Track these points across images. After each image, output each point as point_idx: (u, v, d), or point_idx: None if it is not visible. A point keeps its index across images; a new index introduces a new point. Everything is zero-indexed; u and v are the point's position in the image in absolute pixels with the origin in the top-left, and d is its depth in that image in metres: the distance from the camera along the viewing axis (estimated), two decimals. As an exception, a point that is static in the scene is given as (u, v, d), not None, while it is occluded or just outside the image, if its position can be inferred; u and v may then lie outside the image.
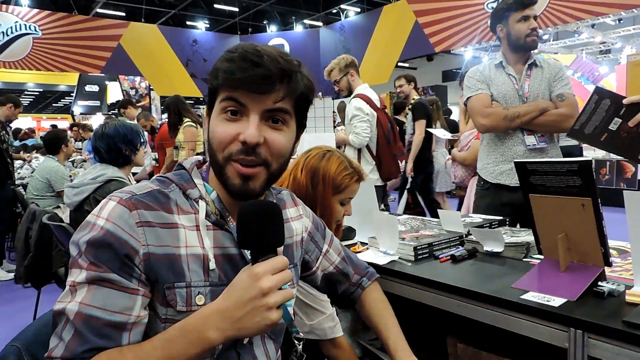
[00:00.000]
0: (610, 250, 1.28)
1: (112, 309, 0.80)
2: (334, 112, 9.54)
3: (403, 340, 1.23)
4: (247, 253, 0.91)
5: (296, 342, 1.04)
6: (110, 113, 15.18)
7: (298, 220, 1.17)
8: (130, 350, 0.79)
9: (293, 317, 1.03)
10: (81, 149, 8.55)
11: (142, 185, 0.93)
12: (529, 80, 2.37)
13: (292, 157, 1.01)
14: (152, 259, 0.84)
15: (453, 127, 11.04)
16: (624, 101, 1.62)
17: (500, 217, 2.08)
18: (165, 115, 11.27)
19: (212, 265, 0.89)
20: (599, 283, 1.19)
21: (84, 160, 6.53)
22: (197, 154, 4.15)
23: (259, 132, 0.86)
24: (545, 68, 2.38)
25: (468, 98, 2.47)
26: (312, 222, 1.24)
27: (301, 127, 0.98)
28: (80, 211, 2.35)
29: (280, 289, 0.79)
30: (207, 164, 0.99)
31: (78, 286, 0.81)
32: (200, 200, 0.93)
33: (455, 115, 9.68)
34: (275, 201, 1.10)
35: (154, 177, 0.97)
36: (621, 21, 12.92)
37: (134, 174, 3.43)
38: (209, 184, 0.96)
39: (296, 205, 1.20)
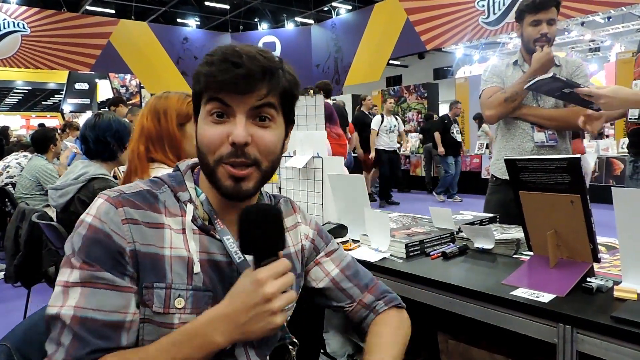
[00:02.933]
0: (599, 247, 1.29)
1: (108, 309, 0.80)
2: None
3: None
4: (250, 258, 0.89)
5: (290, 347, 1.02)
6: (100, 111, 15.07)
7: (294, 229, 1.12)
8: (134, 354, 0.79)
9: (286, 324, 1.01)
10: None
11: (133, 184, 0.92)
12: None
13: (284, 155, 1.00)
14: (139, 256, 0.84)
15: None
16: (577, 90, 1.85)
17: (492, 215, 2.10)
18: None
19: (197, 269, 0.88)
20: (588, 279, 1.20)
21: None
22: None
23: (246, 132, 0.85)
24: (563, 66, 2.31)
25: (482, 90, 2.44)
26: (316, 230, 1.16)
27: (289, 122, 0.97)
28: (67, 212, 2.31)
29: (284, 291, 0.80)
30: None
31: (71, 287, 0.80)
32: (189, 203, 0.92)
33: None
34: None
35: (148, 178, 0.97)
36: (610, 19, 13.05)
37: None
38: (199, 187, 0.95)
39: (294, 213, 1.15)
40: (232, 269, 0.91)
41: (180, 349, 0.78)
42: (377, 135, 8.28)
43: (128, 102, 9.24)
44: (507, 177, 2.31)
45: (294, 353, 1.02)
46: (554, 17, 2.23)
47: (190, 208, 0.91)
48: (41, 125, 11.91)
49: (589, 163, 6.56)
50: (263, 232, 0.81)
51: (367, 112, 8.71)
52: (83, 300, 0.79)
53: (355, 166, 10.78)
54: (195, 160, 0.99)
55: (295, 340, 1.02)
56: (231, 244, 0.90)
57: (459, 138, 9.08)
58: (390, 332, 1.06)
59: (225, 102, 0.86)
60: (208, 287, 0.88)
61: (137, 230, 0.84)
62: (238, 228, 0.82)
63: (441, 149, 8.92)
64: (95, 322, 0.78)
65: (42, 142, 4.67)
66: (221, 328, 0.79)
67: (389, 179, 8.79)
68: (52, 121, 20.85)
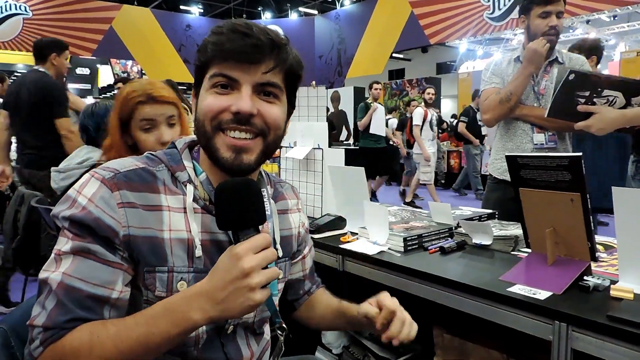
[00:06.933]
0: (597, 246, 1.29)
1: (94, 281, 0.79)
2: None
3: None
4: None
5: (279, 332, 1.02)
6: (101, 97, 15.04)
7: (297, 212, 1.15)
8: (112, 324, 0.78)
9: (277, 308, 1.01)
10: None
11: (128, 161, 0.89)
12: (547, 76, 2.25)
13: (285, 145, 1.00)
14: (133, 240, 0.82)
15: (438, 122, 10.94)
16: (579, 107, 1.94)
17: (491, 211, 2.10)
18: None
19: (199, 252, 0.87)
20: (585, 277, 1.21)
21: None
22: None
23: (252, 103, 0.85)
24: (566, 63, 2.26)
25: (482, 91, 2.42)
26: (307, 220, 1.22)
27: (292, 105, 0.97)
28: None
29: (267, 267, 0.77)
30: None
31: (63, 255, 0.80)
32: (188, 184, 0.91)
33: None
34: (274, 190, 1.09)
35: (144, 154, 0.94)
36: (616, 18, 12.96)
37: None
38: (199, 165, 0.94)
39: (297, 199, 1.17)
40: None
41: (156, 324, 0.77)
42: None
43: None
44: (505, 177, 2.35)
45: (282, 339, 1.01)
46: (562, 9, 2.19)
47: (190, 189, 0.90)
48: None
49: None
50: (238, 205, 0.79)
51: None
52: (72, 269, 0.79)
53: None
54: (193, 137, 0.97)
55: (284, 325, 1.01)
56: None
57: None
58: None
59: (231, 76, 0.85)
60: (209, 268, 0.86)
61: (133, 214, 0.83)
62: (215, 204, 0.81)
63: None
64: (79, 292, 0.78)
65: None
66: (198, 305, 0.76)
67: None
68: (53, 106, 20.74)
